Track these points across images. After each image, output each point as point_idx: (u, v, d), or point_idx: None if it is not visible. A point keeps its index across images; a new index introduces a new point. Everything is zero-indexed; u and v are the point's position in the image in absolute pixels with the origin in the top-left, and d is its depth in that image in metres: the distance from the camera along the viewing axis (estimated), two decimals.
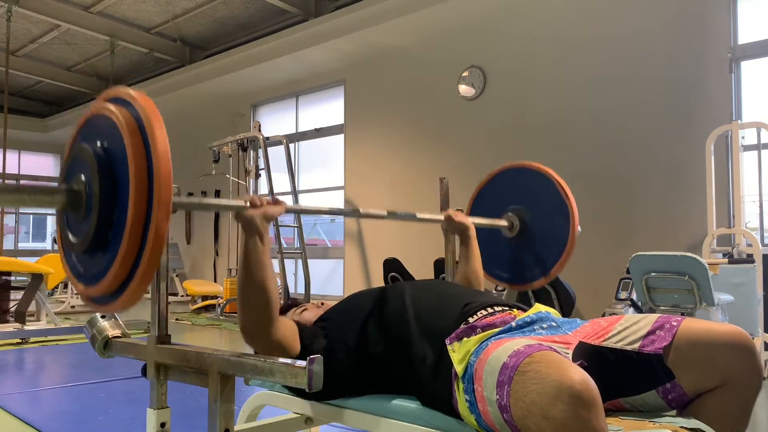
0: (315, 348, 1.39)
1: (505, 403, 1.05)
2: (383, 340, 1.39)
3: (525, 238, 2.10)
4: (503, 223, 2.09)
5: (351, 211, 1.70)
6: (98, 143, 1.15)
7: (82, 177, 1.15)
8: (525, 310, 1.38)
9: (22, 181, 12.03)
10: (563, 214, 2.01)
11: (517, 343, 1.12)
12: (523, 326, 1.28)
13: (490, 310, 1.33)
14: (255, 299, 1.33)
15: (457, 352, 1.23)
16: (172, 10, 7.39)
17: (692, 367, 1.17)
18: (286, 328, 1.38)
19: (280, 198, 1.47)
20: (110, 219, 1.11)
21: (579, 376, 0.97)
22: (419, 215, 1.84)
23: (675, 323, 1.21)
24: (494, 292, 4.33)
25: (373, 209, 1.73)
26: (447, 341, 1.26)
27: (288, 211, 1.48)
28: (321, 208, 1.70)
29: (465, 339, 1.24)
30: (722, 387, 1.16)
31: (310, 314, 1.60)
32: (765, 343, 3.51)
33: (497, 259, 2.16)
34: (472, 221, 1.96)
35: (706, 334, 1.18)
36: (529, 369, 1.03)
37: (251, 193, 6.90)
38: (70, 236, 1.21)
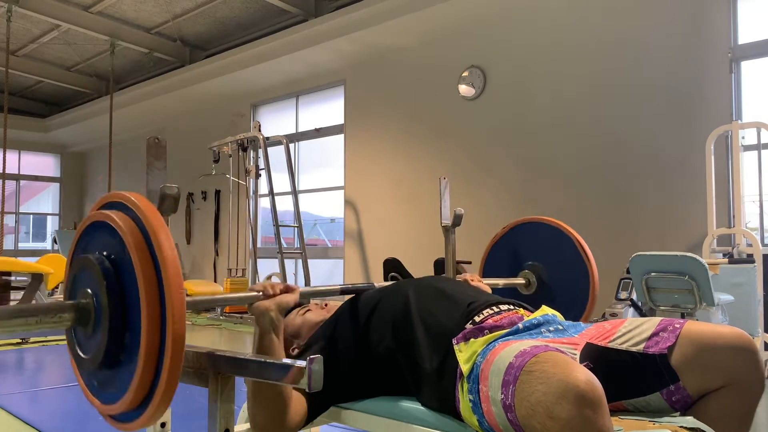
0: (320, 405, 1.37)
1: (509, 403, 1.05)
2: (386, 339, 1.39)
3: (543, 295, 2.06)
4: (520, 281, 2.06)
5: (366, 286, 1.56)
6: (101, 253, 1.11)
7: (89, 290, 1.11)
8: (530, 310, 1.38)
9: (22, 182, 12.03)
10: (582, 270, 1.98)
11: (524, 343, 1.13)
12: (531, 328, 1.28)
13: (495, 308, 1.33)
14: (267, 393, 1.27)
15: (464, 352, 1.23)
16: (172, 10, 7.39)
17: (695, 368, 1.18)
18: (296, 407, 1.33)
19: (292, 285, 1.38)
20: (123, 332, 1.07)
21: (584, 376, 0.98)
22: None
23: (678, 325, 1.22)
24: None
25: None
26: (454, 341, 1.26)
27: (302, 295, 1.40)
28: (334, 288, 1.54)
29: (472, 339, 1.24)
30: (725, 389, 1.17)
31: (314, 315, 1.59)
32: (765, 343, 3.51)
33: None
34: (488, 282, 1.92)
35: (709, 336, 1.19)
36: (535, 369, 1.03)
37: (252, 204, 6.90)
38: (81, 353, 1.15)
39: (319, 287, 1.54)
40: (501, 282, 2.02)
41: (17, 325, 1.06)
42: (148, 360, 1.01)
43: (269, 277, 6.84)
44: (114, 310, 1.06)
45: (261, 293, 1.31)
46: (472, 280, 1.86)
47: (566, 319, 1.95)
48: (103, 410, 1.15)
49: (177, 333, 1.00)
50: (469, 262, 5.37)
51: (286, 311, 1.33)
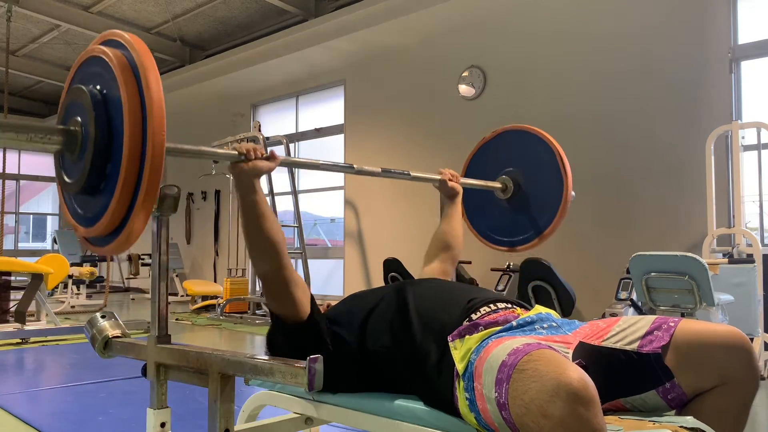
0: (321, 325, 1.42)
1: (503, 401, 1.05)
2: (385, 337, 1.39)
3: (518, 200, 2.12)
4: (497, 185, 2.11)
5: (346, 167, 1.77)
6: (93, 86, 1.19)
7: (79, 119, 1.18)
8: (527, 309, 1.38)
9: (21, 182, 12.03)
10: (557, 177, 2.02)
11: (517, 341, 1.13)
12: (524, 325, 1.28)
13: (493, 306, 1.34)
14: (263, 246, 1.37)
15: (459, 350, 1.23)
16: (172, 10, 7.39)
17: (690, 367, 1.18)
18: (301, 284, 1.42)
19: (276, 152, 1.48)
20: (105, 160, 1.14)
21: (577, 374, 0.98)
22: (413, 173, 1.88)
23: (672, 324, 1.22)
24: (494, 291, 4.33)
25: (367, 167, 1.79)
26: (449, 338, 1.26)
27: (282, 164, 1.50)
28: (315, 162, 1.71)
29: (467, 336, 1.24)
30: (720, 387, 1.17)
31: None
32: (765, 343, 3.51)
33: (491, 221, 2.18)
34: (466, 182, 2.00)
35: (703, 334, 1.19)
36: (528, 367, 1.03)
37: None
38: (66, 177, 1.24)
39: (300, 159, 1.80)
40: (478, 183, 2.07)
41: (8, 138, 1.14)
42: (125, 189, 1.09)
43: None
44: (99, 139, 1.14)
45: (242, 155, 1.39)
46: (450, 179, 1.93)
47: (539, 223, 1.99)
48: (81, 233, 1.23)
49: (155, 163, 1.07)
50: (469, 262, 5.37)
51: (260, 175, 1.42)
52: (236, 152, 1.39)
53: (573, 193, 2.03)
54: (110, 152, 1.14)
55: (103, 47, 1.20)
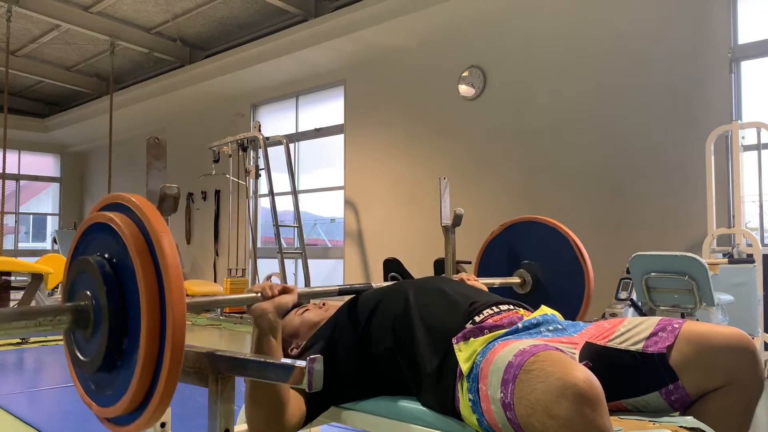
0: (320, 404, 1.38)
1: (509, 401, 1.05)
2: (388, 339, 1.39)
3: (538, 294, 2.06)
4: (516, 280, 2.06)
5: (364, 287, 1.56)
6: (101, 255, 1.11)
7: (88, 292, 1.11)
8: (530, 310, 1.38)
9: (21, 182, 12.03)
10: (577, 270, 1.97)
11: (524, 343, 1.13)
12: (530, 328, 1.28)
13: (495, 309, 1.34)
14: (266, 395, 1.27)
15: (464, 352, 1.23)
16: (172, 10, 7.39)
17: (694, 368, 1.18)
18: (294, 408, 1.32)
19: (290, 285, 1.38)
20: (122, 336, 1.07)
21: (583, 374, 0.98)
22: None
23: (677, 325, 1.22)
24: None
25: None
26: (454, 340, 1.26)
27: (300, 296, 1.40)
28: (332, 289, 1.54)
29: (472, 339, 1.24)
30: (724, 388, 1.17)
31: (312, 315, 1.59)
32: (765, 343, 3.51)
33: None
34: (485, 282, 1.92)
35: (708, 335, 1.19)
36: (534, 368, 1.03)
37: (252, 204, 6.90)
38: (79, 355, 1.15)
39: (317, 288, 1.54)
40: (497, 281, 2.03)
41: (17, 327, 1.06)
42: (146, 365, 1.01)
43: (269, 277, 6.84)
44: (113, 314, 1.06)
45: (260, 294, 1.31)
46: (468, 280, 1.85)
47: (562, 318, 1.96)
48: (100, 413, 1.13)
49: (176, 341, 0.99)
50: (469, 262, 5.37)
51: (285, 312, 1.33)
52: (254, 294, 1.30)
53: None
54: (126, 327, 1.06)
55: (107, 213, 1.12)
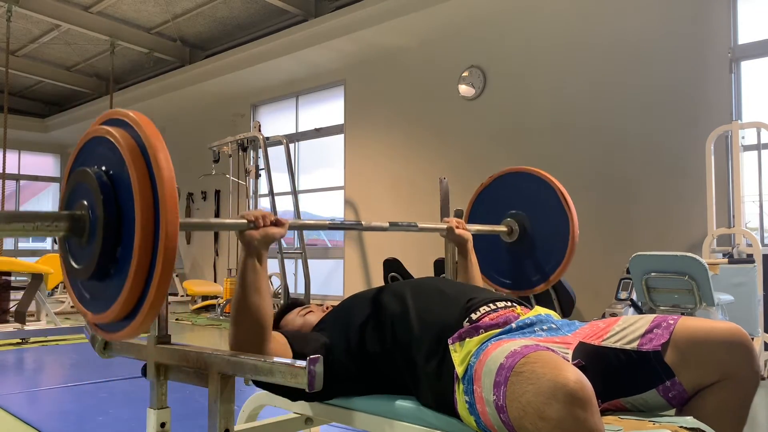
0: (308, 352, 1.38)
1: (501, 404, 1.05)
2: (384, 339, 1.39)
3: (525, 243, 2.10)
4: (502, 228, 2.10)
5: (354, 224, 1.67)
6: (99, 167, 1.15)
7: (85, 202, 1.14)
8: (527, 306, 1.38)
9: (21, 182, 12.04)
10: (563, 220, 2.01)
11: (515, 344, 1.13)
12: (524, 327, 1.28)
13: (492, 306, 1.34)
14: (248, 320, 1.32)
15: (459, 353, 1.23)
16: (172, 10, 7.39)
17: (690, 364, 1.18)
18: (277, 345, 1.37)
19: (282, 218, 1.43)
20: (116, 245, 1.10)
21: (574, 375, 0.98)
22: (421, 225, 1.82)
23: (672, 321, 1.22)
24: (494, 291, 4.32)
25: (375, 221, 1.71)
26: (449, 341, 1.26)
27: (291, 227, 1.46)
28: (323, 223, 1.66)
29: (467, 339, 1.24)
30: (720, 384, 1.17)
31: (314, 317, 1.59)
32: (765, 343, 3.51)
33: (497, 265, 2.17)
34: (471, 228, 1.96)
35: (703, 331, 1.19)
36: (525, 369, 1.03)
37: (252, 204, 6.90)
38: (73, 263, 1.19)
39: (308, 221, 1.67)
40: (484, 228, 2.05)
41: (14, 229, 1.11)
42: (138, 274, 1.05)
43: (269, 277, 6.84)
44: (108, 223, 1.10)
45: (251, 223, 1.36)
46: (457, 226, 1.90)
47: (545, 268, 1.97)
48: (91, 319, 1.19)
49: (168, 252, 1.03)
50: None
51: (271, 242, 1.38)
52: (245, 220, 1.36)
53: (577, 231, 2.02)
54: (120, 237, 1.10)
55: (107, 127, 1.15)
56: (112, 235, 1.10)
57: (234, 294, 1.36)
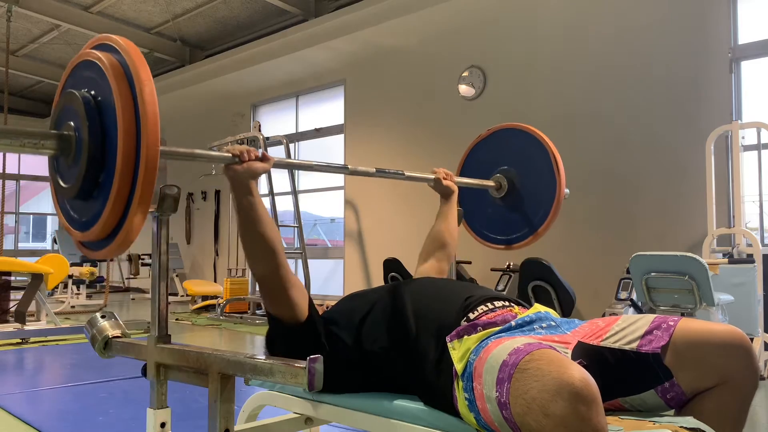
0: (319, 327, 1.42)
1: (504, 401, 1.05)
2: (383, 338, 1.39)
3: (513, 198, 2.14)
4: (491, 183, 2.13)
5: (340, 167, 1.78)
6: (86, 90, 1.19)
7: (72, 123, 1.19)
8: (525, 307, 1.38)
9: (22, 182, 12.03)
10: (551, 175, 2.04)
11: (517, 341, 1.13)
12: (523, 325, 1.28)
13: (490, 305, 1.33)
14: (258, 251, 1.38)
15: (457, 350, 1.23)
16: (172, 10, 7.39)
17: (690, 366, 1.18)
18: (298, 285, 1.42)
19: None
20: (100, 164, 1.15)
21: (579, 373, 0.98)
22: (408, 173, 1.88)
23: (672, 323, 1.22)
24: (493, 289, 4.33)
25: (361, 167, 1.80)
26: (447, 339, 1.26)
27: (276, 165, 1.49)
28: (309, 163, 1.72)
29: (466, 337, 1.24)
30: (720, 386, 1.17)
31: None
32: (765, 343, 3.51)
33: (486, 220, 2.20)
34: (460, 181, 2.01)
35: (702, 333, 1.19)
36: (530, 366, 1.03)
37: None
38: (61, 182, 1.24)
39: (294, 160, 1.88)
40: (473, 182, 2.09)
41: (3, 144, 1.15)
42: (120, 195, 1.10)
43: None
44: (93, 147, 1.14)
45: (236, 157, 1.39)
46: (445, 177, 1.94)
47: (533, 221, 2.00)
48: (76, 236, 1.24)
49: (147, 180, 1.08)
50: (469, 262, 5.37)
51: (255, 177, 1.41)
52: (230, 155, 1.39)
53: (567, 190, 2.05)
54: (104, 158, 1.14)
55: (96, 51, 1.19)
56: (96, 161, 1.14)
57: (239, 231, 1.40)
